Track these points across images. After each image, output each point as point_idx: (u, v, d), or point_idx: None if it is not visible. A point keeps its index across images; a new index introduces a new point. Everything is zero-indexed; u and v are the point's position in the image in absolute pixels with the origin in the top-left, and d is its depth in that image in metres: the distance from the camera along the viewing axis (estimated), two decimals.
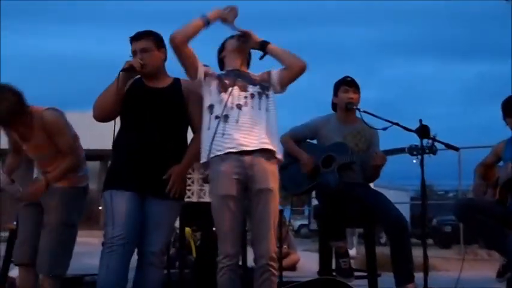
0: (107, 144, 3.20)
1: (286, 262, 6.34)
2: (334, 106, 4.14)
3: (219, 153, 3.00)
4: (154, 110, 3.18)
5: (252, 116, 3.08)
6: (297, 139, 4.13)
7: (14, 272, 3.82)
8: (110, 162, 3.33)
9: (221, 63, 3.37)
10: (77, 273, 4.42)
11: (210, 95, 3.15)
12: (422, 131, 3.42)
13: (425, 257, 3.32)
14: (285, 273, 4.32)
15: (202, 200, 15.38)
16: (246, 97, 3.12)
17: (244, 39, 3.24)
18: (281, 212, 3.27)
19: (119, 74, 3.11)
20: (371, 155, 3.92)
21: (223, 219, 2.96)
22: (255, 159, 3.01)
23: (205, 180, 3.25)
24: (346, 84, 4.03)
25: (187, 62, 3.15)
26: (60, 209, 3.39)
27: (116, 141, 3.22)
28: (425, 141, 3.44)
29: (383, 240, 11.04)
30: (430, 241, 14.20)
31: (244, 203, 3.02)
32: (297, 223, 24.06)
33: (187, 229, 5.53)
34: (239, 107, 3.08)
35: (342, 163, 3.93)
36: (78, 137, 3.55)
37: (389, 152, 3.83)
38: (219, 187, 2.99)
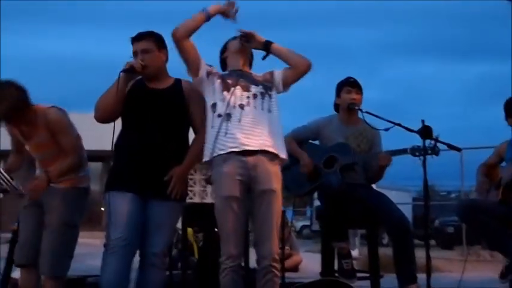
0: (109, 145, 3.20)
1: (288, 263, 6.31)
2: (337, 107, 4.14)
3: (222, 152, 3.00)
4: (156, 111, 3.18)
5: (255, 116, 3.08)
6: (299, 140, 4.12)
7: (17, 274, 3.82)
8: (111, 163, 3.33)
9: (223, 64, 3.38)
10: (80, 274, 4.42)
11: (213, 93, 3.15)
12: (425, 131, 3.41)
13: (428, 258, 3.32)
14: (287, 274, 4.31)
15: (204, 200, 15.37)
16: (248, 97, 3.12)
17: (246, 39, 3.25)
18: (283, 212, 3.26)
19: (119, 75, 3.11)
20: (374, 156, 3.91)
21: (226, 220, 2.96)
22: (258, 160, 3.01)
23: (208, 181, 3.25)
24: (349, 85, 4.02)
25: (189, 57, 3.16)
26: (61, 210, 3.38)
27: (117, 142, 3.22)
28: (427, 142, 3.44)
29: (385, 241, 11.03)
30: (432, 242, 14.13)
31: (246, 204, 3.02)
32: (299, 224, 24.05)
33: (189, 230, 5.52)
34: (241, 106, 3.08)
35: (344, 164, 3.93)
36: (80, 137, 3.55)
37: (391, 153, 3.83)
38: (222, 188, 2.99)
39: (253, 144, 3.01)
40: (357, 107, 3.93)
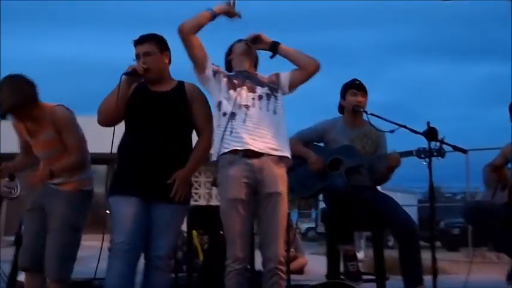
0: (115, 148, 3.21)
1: (293, 265, 6.30)
2: (341, 109, 4.14)
3: (226, 150, 3.01)
4: (158, 114, 3.18)
5: (259, 117, 3.08)
6: (304, 142, 4.11)
7: (22, 277, 3.82)
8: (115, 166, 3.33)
9: (228, 66, 3.38)
10: (85, 277, 4.42)
11: (219, 91, 3.16)
12: (430, 133, 3.41)
13: (434, 259, 3.31)
14: (292, 276, 4.30)
15: (210, 203, 15.36)
16: (253, 98, 3.12)
17: (253, 40, 3.26)
18: (288, 215, 3.26)
19: (121, 78, 3.12)
20: (380, 157, 3.90)
21: (232, 223, 2.96)
22: (263, 162, 3.00)
23: (214, 183, 3.25)
24: (355, 87, 4.02)
25: (196, 53, 3.16)
26: (65, 213, 3.38)
27: (120, 146, 3.22)
28: (433, 143, 3.43)
29: (391, 243, 11.01)
30: (438, 244, 14.13)
31: (252, 207, 3.01)
32: (304, 226, 24.04)
33: (193, 232, 5.52)
34: (247, 107, 3.08)
35: (350, 166, 3.92)
36: (85, 140, 3.56)
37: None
38: (228, 191, 2.99)
39: (258, 146, 3.01)
40: (362, 109, 3.93)
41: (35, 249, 3.39)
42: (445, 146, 3.44)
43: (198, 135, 3.30)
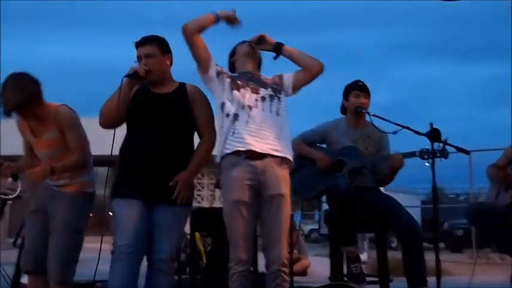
0: (116, 150, 3.21)
1: (297, 267, 6.31)
2: (344, 109, 4.13)
3: (228, 151, 3.01)
4: (159, 115, 3.17)
5: (262, 118, 3.08)
6: (306, 143, 4.11)
7: (26, 279, 3.83)
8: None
9: (231, 68, 3.38)
10: (87, 279, 4.43)
11: (222, 92, 3.16)
12: (433, 134, 3.40)
13: (438, 261, 3.30)
14: (295, 278, 4.31)
15: (213, 205, 15.36)
16: (256, 100, 3.12)
17: (257, 41, 3.26)
18: (291, 216, 3.26)
19: (122, 80, 3.12)
20: (384, 158, 3.90)
21: (235, 225, 2.96)
22: (266, 164, 3.00)
23: (217, 185, 3.24)
24: (358, 89, 4.01)
25: (199, 53, 3.17)
26: (67, 215, 3.38)
27: (122, 148, 3.22)
28: (436, 144, 3.43)
29: (394, 244, 10.99)
30: (441, 245, 14.11)
31: (255, 208, 3.01)
32: (307, 228, 24.02)
33: (197, 235, 5.52)
34: (250, 108, 3.08)
35: (353, 167, 3.92)
36: (88, 142, 3.56)
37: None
38: (231, 193, 2.98)
39: (260, 147, 3.01)
40: (364, 110, 3.92)
41: (38, 251, 3.39)
42: (448, 147, 3.44)
43: (200, 137, 3.29)
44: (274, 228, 2.97)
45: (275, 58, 3.30)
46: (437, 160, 3.42)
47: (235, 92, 3.12)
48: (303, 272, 6.91)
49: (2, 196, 3.66)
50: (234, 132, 3.03)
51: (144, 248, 3.05)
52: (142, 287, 3.13)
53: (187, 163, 3.17)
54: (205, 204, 16.18)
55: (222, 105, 3.13)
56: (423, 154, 3.54)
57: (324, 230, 15.90)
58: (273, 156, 3.02)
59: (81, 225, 3.47)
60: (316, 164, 4.02)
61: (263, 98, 3.14)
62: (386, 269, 4.02)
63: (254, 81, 3.21)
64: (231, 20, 3.24)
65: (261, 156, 3.00)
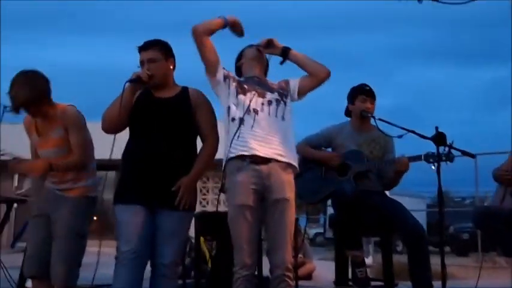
0: (120, 154, 3.21)
1: (302, 271, 6.29)
2: (349, 113, 4.12)
3: (232, 155, 3.01)
4: (161, 120, 3.16)
5: (268, 123, 3.07)
6: (311, 147, 4.11)
7: (31, 283, 3.83)
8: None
9: (238, 72, 3.38)
10: (92, 283, 4.43)
11: (228, 96, 3.15)
12: (439, 138, 3.39)
13: (443, 265, 3.29)
14: (300, 282, 4.29)
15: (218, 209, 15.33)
16: (263, 104, 3.12)
17: (265, 44, 3.26)
18: (296, 220, 3.25)
19: (124, 86, 3.11)
20: (389, 162, 3.89)
21: (239, 229, 2.95)
22: (271, 169, 2.99)
23: (222, 189, 3.23)
24: (365, 93, 4.01)
25: (208, 55, 3.16)
26: (70, 219, 3.38)
27: (124, 153, 3.21)
28: (441, 148, 3.42)
29: (399, 248, 10.97)
30: (447, 249, 14.07)
31: (260, 213, 3.00)
32: (312, 231, 23.99)
33: (201, 239, 5.51)
34: (256, 112, 3.08)
35: (358, 171, 3.91)
36: (93, 146, 3.56)
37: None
38: (236, 197, 2.98)
39: (264, 152, 3.00)
40: (369, 115, 3.92)
41: (41, 256, 3.38)
42: (453, 151, 3.43)
43: (203, 141, 3.27)
44: (279, 233, 2.97)
45: (282, 63, 3.30)
46: (442, 164, 3.41)
47: (240, 96, 3.12)
48: (308, 276, 6.89)
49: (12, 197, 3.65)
50: (239, 136, 3.03)
51: (147, 253, 3.04)
52: None
53: (190, 168, 3.15)
54: (210, 208, 16.17)
55: (228, 109, 3.13)
56: (429, 158, 3.53)
57: (329, 234, 15.86)
58: (277, 160, 3.02)
59: (84, 230, 3.47)
60: (323, 166, 4.01)
61: (269, 102, 3.14)
62: (392, 272, 4.01)
63: (261, 85, 3.21)
64: (237, 28, 3.25)
65: (266, 160, 3.00)
